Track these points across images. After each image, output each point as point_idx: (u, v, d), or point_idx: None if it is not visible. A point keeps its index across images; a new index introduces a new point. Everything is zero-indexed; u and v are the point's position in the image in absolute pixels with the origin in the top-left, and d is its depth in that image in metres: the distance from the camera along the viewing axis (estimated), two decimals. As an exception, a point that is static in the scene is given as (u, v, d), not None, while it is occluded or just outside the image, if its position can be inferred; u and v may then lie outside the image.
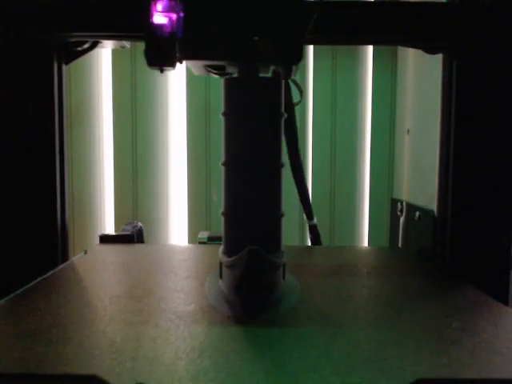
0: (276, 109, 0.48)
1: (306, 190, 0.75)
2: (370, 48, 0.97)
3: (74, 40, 0.63)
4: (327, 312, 0.44)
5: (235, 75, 0.50)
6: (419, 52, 0.66)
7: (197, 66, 0.50)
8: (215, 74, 0.52)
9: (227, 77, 0.49)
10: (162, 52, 0.43)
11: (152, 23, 0.43)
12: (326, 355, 0.35)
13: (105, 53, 0.95)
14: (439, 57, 0.64)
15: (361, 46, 0.97)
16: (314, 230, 0.78)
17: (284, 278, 0.48)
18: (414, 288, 0.52)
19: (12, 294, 0.47)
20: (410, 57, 0.81)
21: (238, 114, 0.47)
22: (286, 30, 0.44)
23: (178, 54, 0.44)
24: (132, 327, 0.39)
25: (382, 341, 0.38)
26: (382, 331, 0.40)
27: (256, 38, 0.44)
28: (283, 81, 0.51)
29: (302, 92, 0.65)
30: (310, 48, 0.96)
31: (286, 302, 0.45)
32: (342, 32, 0.54)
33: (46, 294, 0.48)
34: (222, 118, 0.48)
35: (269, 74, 0.53)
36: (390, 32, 0.60)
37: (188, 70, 0.96)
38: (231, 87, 0.47)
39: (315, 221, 0.78)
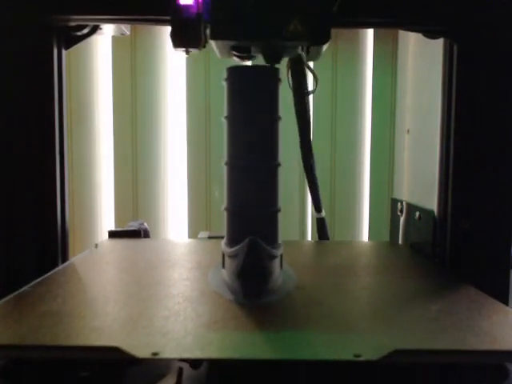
0: (273, 110, 0.50)
1: (316, 181, 0.74)
2: (370, 48, 0.97)
3: (74, 24, 0.63)
4: (321, 298, 0.48)
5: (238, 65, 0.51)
6: (419, 52, 0.66)
7: (222, 47, 0.50)
8: (239, 57, 0.52)
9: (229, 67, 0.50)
10: (187, 33, 0.43)
11: (178, 4, 0.42)
12: (316, 331, 0.39)
13: (105, 52, 0.96)
14: (439, 57, 0.64)
15: (361, 46, 0.97)
16: (321, 224, 0.77)
17: (281, 267, 0.52)
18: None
19: (32, 283, 0.50)
20: (410, 57, 0.81)
21: (238, 107, 0.49)
22: (314, 9, 0.45)
23: (203, 35, 0.43)
24: (145, 309, 0.43)
25: (369, 321, 0.41)
26: (372, 315, 0.43)
27: (285, 17, 0.44)
28: (299, 67, 0.52)
29: (317, 80, 0.64)
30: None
31: (282, 289, 0.49)
32: (342, 15, 0.54)
33: (65, 282, 0.52)
34: (224, 122, 0.50)
35: (291, 57, 0.54)
36: (391, 15, 0.59)
37: (188, 70, 0.96)
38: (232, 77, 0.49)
39: (323, 214, 0.77)
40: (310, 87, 0.69)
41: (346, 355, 0.34)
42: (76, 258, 0.62)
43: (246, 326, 0.39)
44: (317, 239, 0.80)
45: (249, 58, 0.53)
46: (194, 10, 0.43)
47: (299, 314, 0.43)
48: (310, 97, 0.96)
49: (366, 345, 0.36)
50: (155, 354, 0.33)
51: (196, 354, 0.34)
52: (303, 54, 0.53)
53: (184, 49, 0.45)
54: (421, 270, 0.61)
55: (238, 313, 0.42)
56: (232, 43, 0.48)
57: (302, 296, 0.48)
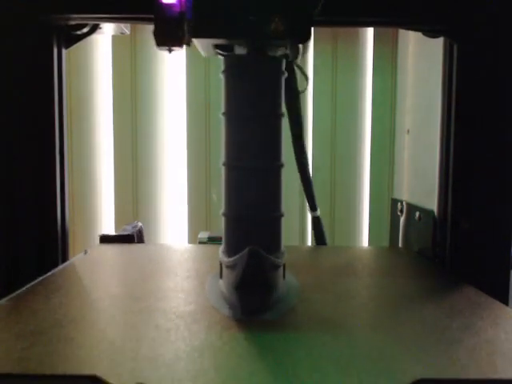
0: (276, 104, 0.48)
1: (310, 179, 0.73)
2: (370, 48, 0.97)
3: (74, 23, 0.63)
4: (327, 312, 0.44)
5: (235, 54, 0.50)
6: (419, 52, 0.66)
7: (205, 45, 0.50)
8: (223, 55, 0.52)
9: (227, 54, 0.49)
10: (170, 32, 0.43)
11: (161, 3, 0.43)
12: (326, 355, 0.35)
13: (104, 51, 0.96)
14: (439, 57, 0.64)
15: (361, 47, 0.97)
16: (317, 223, 0.76)
17: (284, 277, 0.48)
18: (413, 289, 0.52)
19: (13, 294, 0.47)
20: (410, 57, 0.81)
21: (237, 103, 0.47)
22: (296, 7, 0.44)
23: (186, 35, 0.44)
24: (132, 327, 0.39)
25: (381, 341, 0.38)
26: (382, 331, 0.40)
27: (266, 15, 0.44)
28: (288, 66, 0.51)
29: (307, 78, 0.64)
30: (310, 48, 0.96)
31: (285, 302, 0.46)
32: (342, 14, 0.54)
33: (46, 293, 0.47)
34: (221, 118, 0.48)
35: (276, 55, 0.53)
36: (390, 14, 0.59)
37: (188, 70, 0.96)
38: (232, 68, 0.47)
39: (319, 212, 0.76)
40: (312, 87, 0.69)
41: None
42: (63, 266, 0.58)
43: (244, 350, 0.35)
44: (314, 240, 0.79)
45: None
46: (177, 9, 0.43)
47: (304, 334, 0.39)
48: (310, 97, 0.97)
49: (384, 374, 0.32)
50: None
51: None
52: (288, 51, 0.53)
53: (167, 47, 0.45)
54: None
55: (235, 333, 0.39)
56: (214, 41, 0.48)
57: (306, 311, 0.44)
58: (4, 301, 0.45)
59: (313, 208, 0.75)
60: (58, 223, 0.62)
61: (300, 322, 0.42)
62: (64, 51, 0.64)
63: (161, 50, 0.44)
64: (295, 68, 0.63)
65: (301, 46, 0.48)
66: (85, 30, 0.64)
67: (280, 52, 0.52)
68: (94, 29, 0.65)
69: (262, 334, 0.38)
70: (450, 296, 0.49)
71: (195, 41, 0.47)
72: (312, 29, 0.45)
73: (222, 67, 0.48)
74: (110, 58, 0.95)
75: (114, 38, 0.95)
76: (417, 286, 0.53)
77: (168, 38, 0.43)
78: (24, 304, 0.44)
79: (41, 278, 0.52)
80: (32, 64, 0.60)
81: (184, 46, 0.44)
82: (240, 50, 0.50)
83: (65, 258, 0.64)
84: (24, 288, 0.49)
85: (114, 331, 0.38)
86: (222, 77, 0.48)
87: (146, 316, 0.42)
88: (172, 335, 0.38)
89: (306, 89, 0.65)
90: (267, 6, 0.44)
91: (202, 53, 0.54)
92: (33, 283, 0.51)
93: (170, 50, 0.45)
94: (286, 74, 0.49)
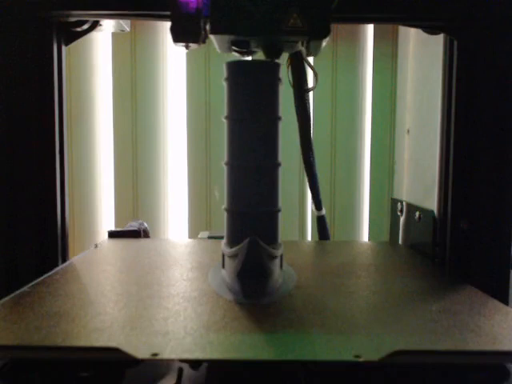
0: (273, 109, 0.50)
1: (317, 178, 0.73)
2: (370, 48, 0.97)
3: (73, 19, 0.62)
4: (321, 298, 0.47)
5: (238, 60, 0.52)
6: (419, 51, 0.66)
7: (222, 42, 0.51)
8: (239, 52, 0.53)
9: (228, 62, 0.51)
10: (187, 28, 0.43)
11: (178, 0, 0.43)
12: (317, 332, 0.39)
13: (105, 49, 0.95)
14: (439, 57, 0.64)
15: (361, 46, 0.97)
16: (321, 221, 0.76)
17: (281, 267, 0.52)
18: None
19: (35, 281, 0.50)
20: (410, 57, 0.81)
21: (238, 107, 0.49)
22: (314, 3, 0.45)
23: (203, 31, 0.44)
24: (145, 309, 0.43)
25: (370, 322, 0.41)
26: (372, 316, 0.43)
27: (284, 12, 0.44)
28: (299, 63, 0.54)
29: (317, 76, 0.64)
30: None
31: (282, 288, 0.49)
32: (342, 10, 0.54)
33: (65, 281, 0.52)
34: (224, 121, 0.51)
35: (290, 53, 0.55)
36: (390, 10, 0.59)
37: (188, 71, 0.96)
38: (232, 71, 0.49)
39: (324, 212, 0.76)
40: (311, 84, 0.68)
41: (346, 356, 0.34)
42: (76, 258, 0.62)
43: (245, 327, 0.39)
44: (317, 238, 0.79)
45: (249, 54, 0.53)
46: (194, 5, 0.43)
47: (299, 314, 0.43)
48: (310, 96, 0.97)
49: (367, 346, 0.36)
50: (155, 354, 0.34)
51: (196, 354, 0.34)
52: (303, 50, 0.53)
53: (184, 44, 0.45)
54: (420, 269, 0.61)
55: (237, 313, 0.42)
56: (231, 38, 0.49)
57: (302, 296, 0.48)
58: (27, 287, 0.49)
59: (318, 207, 0.76)
60: (57, 223, 0.62)
61: (295, 305, 0.45)
62: (64, 48, 0.64)
63: (177, 46, 0.45)
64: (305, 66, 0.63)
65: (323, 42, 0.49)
66: (85, 26, 0.64)
67: (295, 49, 0.53)
68: (94, 26, 0.65)
69: (261, 315, 0.42)
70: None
71: (212, 37, 0.47)
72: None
73: (225, 74, 0.50)
74: (110, 56, 0.95)
75: (114, 36, 0.95)
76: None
77: (185, 34, 0.44)
78: (45, 291, 0.48)
79: (41, 277, 0.53)
80: (32, 60, 0.60)
81: (201, 42, 0.45)
82: (255, 47, 0.51)
83: (65, 258, 0.64)
84: (42, 277, 0.53)
85: (129, 312, 0.42)
86: (224, 84, 0.50)
87: (156, 300, 0.46)
88: (181, 315, 0.41)
89: (315, 86, 0.65)
90: (285, 2, 0.45)
91: (218, 49, 0.54)
92: (50, 273, 0.54)
93: (187, 47, 0.46)
94: (282, 81, 0.51)
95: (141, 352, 0.34)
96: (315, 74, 0.64)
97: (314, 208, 0.77)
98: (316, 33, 0.46)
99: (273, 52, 0.51)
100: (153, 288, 0.50)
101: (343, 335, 0.38)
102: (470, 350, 0.35)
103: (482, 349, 0.35)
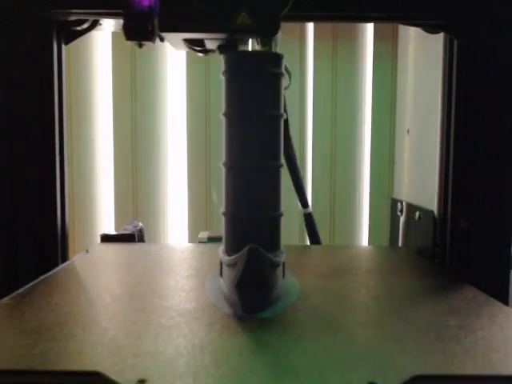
0: (276, 104, 0.47)
1: (300, 175, 0.71)
2: (370, 48, 0.97)
3: (73, 18, 0.62)
4: (326, 311, 0.44)
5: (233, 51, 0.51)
6: (419, 52, 0.66)
7: (176, 40, 0.50)
8: (195, 50, 0.53)
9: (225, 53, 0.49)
10: (140, 26, 0.44)
11: None
12: (324, 352, 0.35)
13: (104, 49, 0.95)
14: (439, 57, 0.64)
15: (361, 46, 0.97)
16: (309, 219, 0.75)
17: (283, 276, 0.48)
18: (413, 289, 0.52)
19: (14, 293, 0.47)
20: (410, 57, 0.81)
21: (237, 103, 0.47)
22: (263, 3, 0.46)
23: (156, 29, 0.44)
24: (134, 325, 0.40)
25: (380, 338, 0.38)
26: (381, 329, 0.40)
27: (233, 10, 0.45)
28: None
29: (290, 74, 0.63)
30: (310, 48, 0.96)
31: (285, 300, 0.46)
32: (342, 9, 0.54)
33: (48, 292, 0.48)
34: (222, 119, 0.48)
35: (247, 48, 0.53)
36: (390, 9, 0.59)
37: (188, 71, 0.96)
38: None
39: (310, 209, 0.75)
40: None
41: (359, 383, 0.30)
42: (65, 265, 0.59)
43: (244, 346, 0.36)
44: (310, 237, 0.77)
45: (205, 52, 0.53)
46: (147, 4, 0.44)
47: (304, 330, 0.39)
48: (310, 97, 0.97)
49: (382, 370, 0.32)
50: (142, 381, 0.30)
51: (188, 381, 0.30)
52: (273, 46, 0.52)
53: (137, 41, 0.45)
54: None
55: (236, 329, 0.39)
56: (184, 36, 0.49)
57: (306, 309, 0.45)
58: (6, 299, 0.45)
59: (304, 205, 0.74)
60: (57, 223, 0.62)
61: (299, 320, 0.42)
62: (64, 47, 0.64)
63: (131, 44, 0.45)
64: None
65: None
66: (85, 25, 0.64)
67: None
68: (94, 25, 0.65)
69: (262, 331, 0.39)
70: (450, 295, 0.49)
71: (165, 35, 0.47)
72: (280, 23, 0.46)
73: (223, 67, 0.48)
74: (110, 56, 0.95)
75: (114, 35, 0.95)
76: (417, 285, 0.53)
77: (138, 32, 0.44)
78: (26, 302, 0.44)
79: (42, 276, 0.53)
80: (32, 59, 0.60)
81: (157, 41, 0.45)
82: (210, 45, 0.51)
83: (65, 258, 0.64)
84: (26, 287, 0.49)
85: (115, 328, 0.39)
86: (222, 78, 0.48)
87: (147, 314, 0.42)
88: (173, 332, 0.38)
89: (289, 86, 0.65)
90: (234, 0, 0.45)
91: (174, 48, 0.54)
92: (34, 282, 0.51)
93: (141, 45, 0.46)
94: (286, 74, 0.49)
95: (126, 378, 0.30)
96: (288, 72, 0.63)
97: (300, 206, 0.75)
98: (265, 31, 0.46)
99: (226, 49, 0.50)
100: (144, 299, 0.46)
101: (354, 356, 0.34)
102: (497, 374, 0.32)
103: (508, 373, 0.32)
